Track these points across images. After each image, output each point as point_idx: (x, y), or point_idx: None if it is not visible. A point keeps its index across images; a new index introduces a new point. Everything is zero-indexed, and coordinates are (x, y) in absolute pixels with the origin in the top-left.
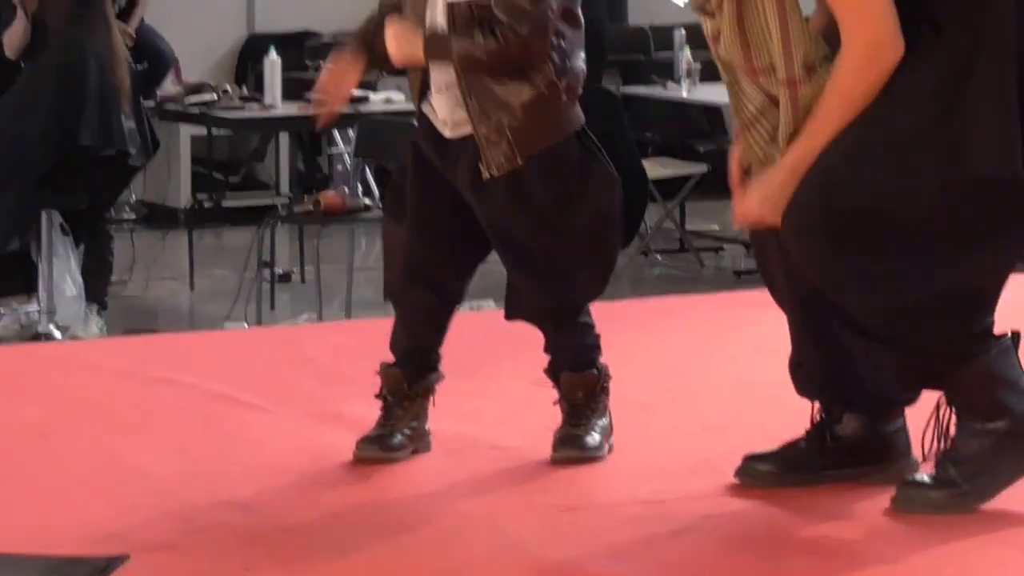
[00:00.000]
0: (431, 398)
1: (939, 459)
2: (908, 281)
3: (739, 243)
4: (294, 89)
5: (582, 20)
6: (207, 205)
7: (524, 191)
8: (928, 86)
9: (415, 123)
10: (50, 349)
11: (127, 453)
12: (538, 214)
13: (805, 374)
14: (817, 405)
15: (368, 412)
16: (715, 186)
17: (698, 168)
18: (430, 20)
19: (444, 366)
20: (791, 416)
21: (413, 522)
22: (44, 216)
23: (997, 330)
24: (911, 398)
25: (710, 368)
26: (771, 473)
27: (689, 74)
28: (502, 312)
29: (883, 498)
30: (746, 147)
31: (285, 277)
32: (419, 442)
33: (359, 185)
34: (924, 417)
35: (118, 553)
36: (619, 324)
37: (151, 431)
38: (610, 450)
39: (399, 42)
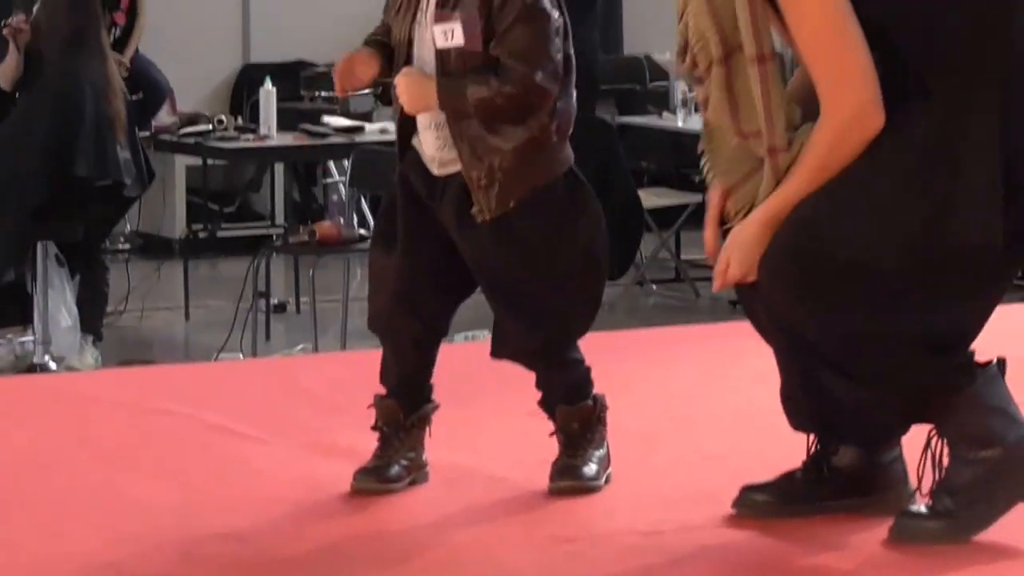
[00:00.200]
0: (427, 428)
1: (934, 490)
2: (882, 330)
3: None
4: (289, 119)
5: (574, 60)
6: (202, 235)
7: (510, 231)
8: (914, 150)
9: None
10: (46, 380)
11: (123, 484)
12: (523, 254)
13: (794, 407)
14: (813, 436)
15: (365, 443)
16: None
17: (693, 198)
18: (417, 60)
19: (440, 396)
20: (790, 446)
21: (411, 553)
22: (40, 247)
23: (983, 357)
24: (901, 431)
25: (708, 398)
26: (769, 504)
27: (684, 104)
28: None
29: (881, 529)
30: (735, 201)
31: (280, 307)
32: (416, 473)
33: (354, 215)
34: (920, 444)
35: None
36: (615, 354)
37: (147, 462)
38: (608, 480)
39: (411, 92)
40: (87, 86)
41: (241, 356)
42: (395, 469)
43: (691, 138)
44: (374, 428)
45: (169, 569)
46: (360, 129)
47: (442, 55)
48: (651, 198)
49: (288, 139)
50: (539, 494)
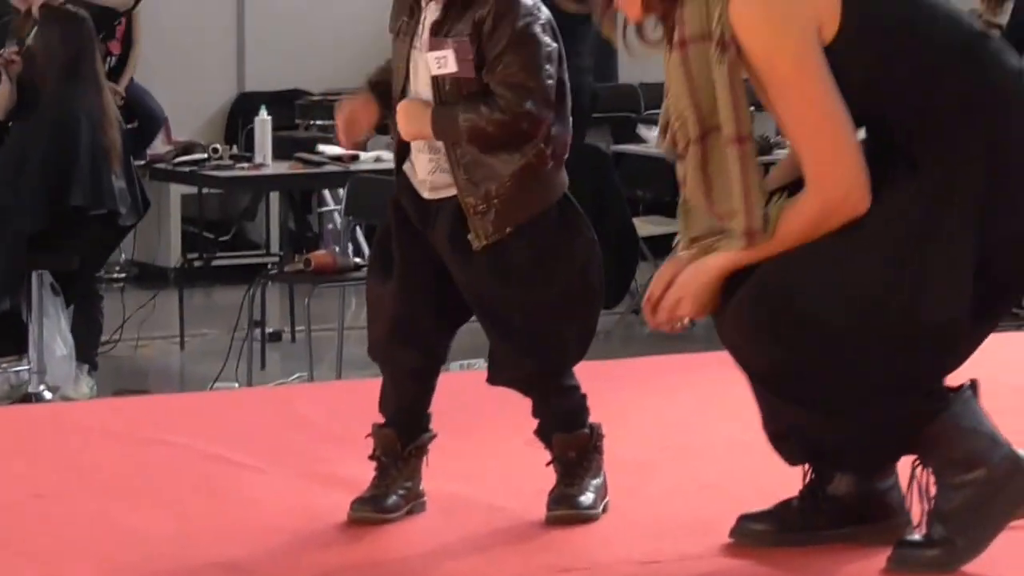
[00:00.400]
0: (424, 458)
1: (927, 519)
2: (845, 378)
3: None
4: (285, 148)
5: (568, 86)
6: (197, 264)
7: (503, 257)
8: (894, 226)
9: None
10: (41, 410)
11: (120, 514)
12: (517, 281)
13: (782, 443)
14: (807, 465)
15: (362, 472)
16: None
17: None
18: (412, 90)
19: (437, 425)
20: (786, 475)
21: None
22: (35, 276)
23: (957, 380)
24: (891, 460)
25: (704, 427)
26: (766, 532)
27: None
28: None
29: (879, 558)
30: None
31: (276, 336)
32: (414, 503)
33: (350, 244)
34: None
35: None
36: (611, 383)
37: (144, 492)
38: (605, 509)
39: (407, 119)
40: (83, 116)
41: (237, 385)
42: (392, 499)
43: None
44: (372, 457)
45: None
46: (355, 157)
47: (437, 81)
48: (646, 226)
49: (283, 168)
50: (536, 523)
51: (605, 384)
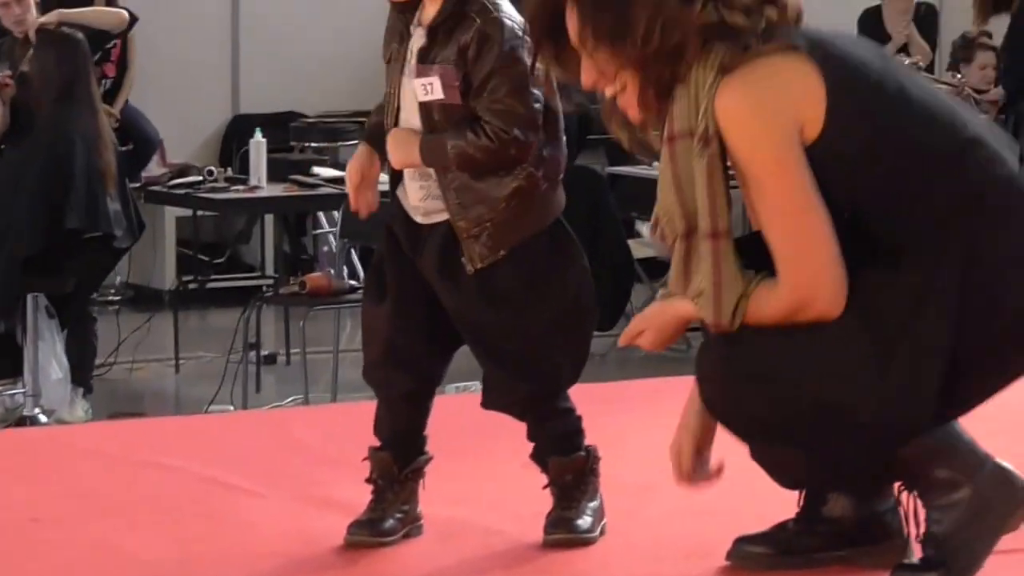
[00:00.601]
0: (421, 481)
1: (921, 543)
2: (810, 451)
3: None
4: (280, 170)
5: (559, 109)
6: (192, 287)
7: (493, 283)
8: (868, 320)
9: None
10: (37, 433)
11: (117, 538)
12: (507, 306)
13: (772, 471)
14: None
15: (359, 495)
16: None
17: None
18: (404, 113)
19: (433, 448)
20: (783, 497)
21: None
22: (30, 299)
23: None
24: (877, 486)
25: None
26: (763, 555)
27: None
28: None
29: None
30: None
31: (270, 359)
32: (410, 526)
33: (344, 266)
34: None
35: None
36: (607, 406)
37: (141, 516)
38: (602, 532)
39: (396, 148)
40: (78, 139)
41: (232, 408)
42: (389, 522)
43: None
44: (368, 480)
45: None
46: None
47: (425, 108)
48: (641, 248)
49: (278, 190)
50: (533, 547)
51: (601, 407)
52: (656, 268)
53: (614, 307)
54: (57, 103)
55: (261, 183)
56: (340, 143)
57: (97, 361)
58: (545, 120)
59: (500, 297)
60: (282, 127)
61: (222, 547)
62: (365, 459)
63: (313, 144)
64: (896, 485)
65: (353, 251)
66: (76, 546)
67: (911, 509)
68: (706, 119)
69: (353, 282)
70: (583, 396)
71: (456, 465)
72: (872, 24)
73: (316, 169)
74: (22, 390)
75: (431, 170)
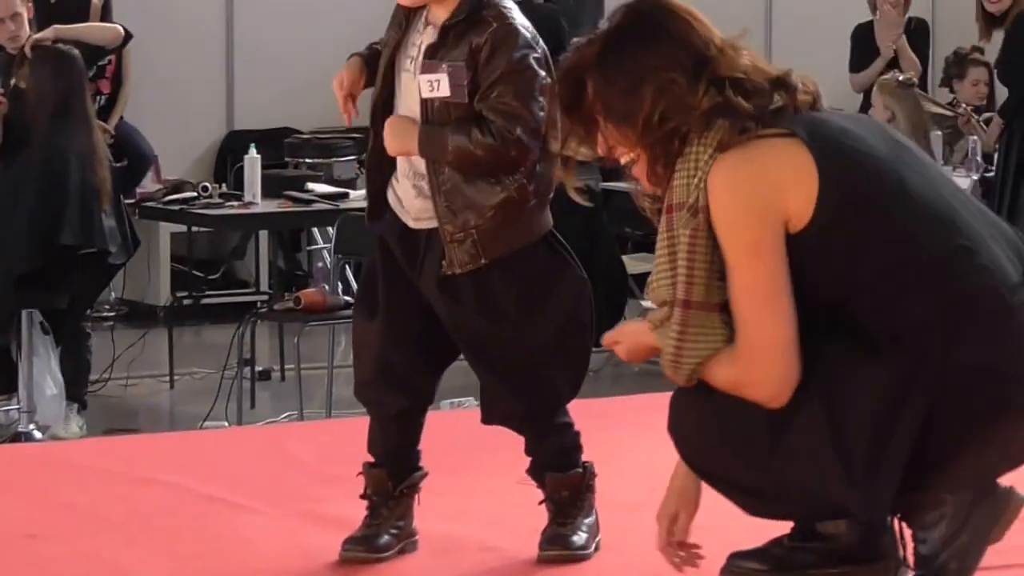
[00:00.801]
0: (416, 497)
1: (913, 564)
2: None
3: None
4: (274, 186)
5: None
6: (187, 303)
7: (489, 295)
8: (836, 409)
9: (366, 212)
10: (32, 449)
11: (113, 554)
12: (503, 319)
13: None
14: None
15: (354, 511)
16: None
17: None
18: (401, 108)
19: (428, 464)
20: None
21: None
22: (25, 315)
23: None
24: None
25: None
26: (757, 571)
27: None
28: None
29: None
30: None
31: (265, 375)
32: (405, 542)
33: (339, 282)
34: None
35: None
36: (601, 421)
37: (137, 531)
38: (597, 548)
39: (395, 134)
40: (73, 156)
41: (227, 424)
42: (384, 538)
43: None
44: (363, 496)
45: None
46: (345, 196)
47: (426, 104)
48: (635, 264)
49: (273, 206)
50: (529, 562)
51: (596, 422)
52: None
53: (608, 323)
54: (53, 119)
55: (256, 199)
56: (334, 159)
57: (92, 377)
58: (544, 136)
59: (497, 308)
60: (276, 143)
61: (218, 563)
62: (360, 474)
63: (307, 160)
64: None
65: (348, 267)
66: (72, 562)
67: (898, 529)
68: (699, 191)
69: (348, 298)
70: (577, 411)
71: (451, 481)
72: (865, 39)
73: (310, 185)
74: (17, 406)
75: (424, 169)
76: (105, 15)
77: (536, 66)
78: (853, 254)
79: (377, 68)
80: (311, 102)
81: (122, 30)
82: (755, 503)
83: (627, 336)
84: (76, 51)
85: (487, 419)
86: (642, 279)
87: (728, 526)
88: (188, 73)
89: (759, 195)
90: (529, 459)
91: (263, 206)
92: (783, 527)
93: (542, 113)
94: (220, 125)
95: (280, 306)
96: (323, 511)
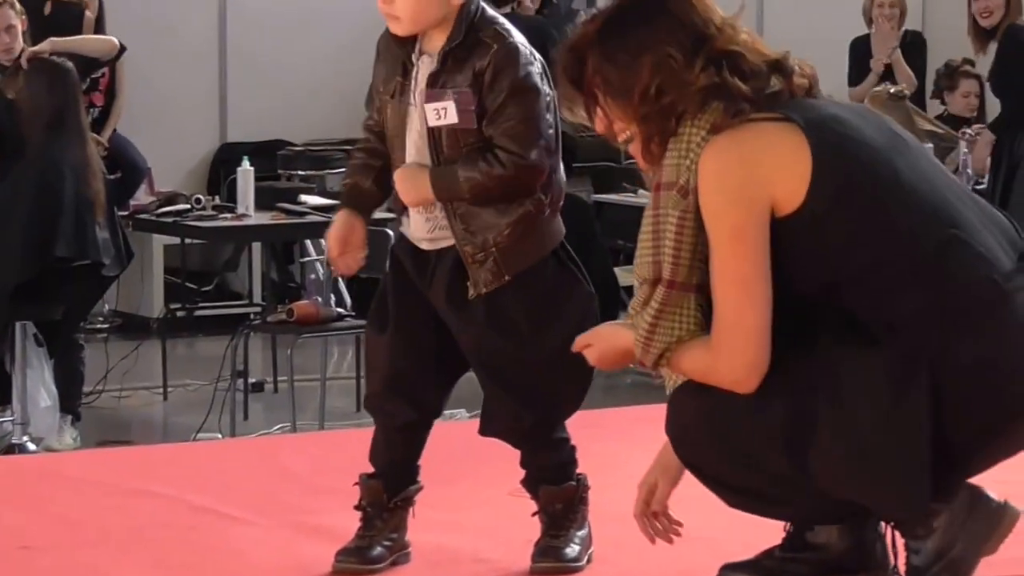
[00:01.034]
0: (411, 509)
1: (906, 574)
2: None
3: None
4: (267, 198)
5: (560, 134)
6: (180, 315)
7: (502, 310)
8: (832, 398)
9: (389, 231)
10: (26, 461)
11: (107, 566)
12: (515, 333)
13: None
14: None
15: (347, 523)
16: None
17: None
18: (410, 144)
19: (422, 476)
20: (770, 525)
21: None
22: (18, 327)
23: None
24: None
25: (687, 477)
26: None
27: None
28: (476, 424)
29: None
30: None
31: (258, 387)
32: (398, 553)
33: (332, 294)
34: None
35: None
36: (594, 432)
37: (131, 543)
38: (590, 560)
39: (406, 187)
40: (67, 168)
41: (220, 436)
42: (377, 550)
43: None
44: (357, 507)
45: None
46: (337, 208)
47: (433, 134)
48: (627, 276)
49: (266, 218)
50: (521, 574)
51: (589, 433)
52: None
53: None
54: (47, 131)
55: (249, 211)
56: (327, 171)
57: (85, 389)
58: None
59: (509, 324)
60: (270, 155)
61: (211, 574)
62: (356, 484)
63: (300, 172)
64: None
65: (340, 279)
66: (65, 574)
67: (891, 539)
68: (690, 173)
69: (341, 310)
70: (570, 422)
71: (444, 492)
72: (862, 51)
73: (303, 197)
74: (10, 418)
75: (437, 203)
76: (99, 28)
77: (539, 83)
78: (847, 242)
79: (364, 205)
80: (304, 114)
81: (117, 43)
82: (750, 502)
83: (601, 339)
84: (70, 64)
85: (485, 431)
86: (633, 292)
87: (719, 538)
88: (181, 85)
89: (748, 180)
90: (523, 471)
91: (256, 218)
92: (773, 539)
93: (551, 130)
94: (213, 137)
95: (273, 318)
96: (316, 523)
